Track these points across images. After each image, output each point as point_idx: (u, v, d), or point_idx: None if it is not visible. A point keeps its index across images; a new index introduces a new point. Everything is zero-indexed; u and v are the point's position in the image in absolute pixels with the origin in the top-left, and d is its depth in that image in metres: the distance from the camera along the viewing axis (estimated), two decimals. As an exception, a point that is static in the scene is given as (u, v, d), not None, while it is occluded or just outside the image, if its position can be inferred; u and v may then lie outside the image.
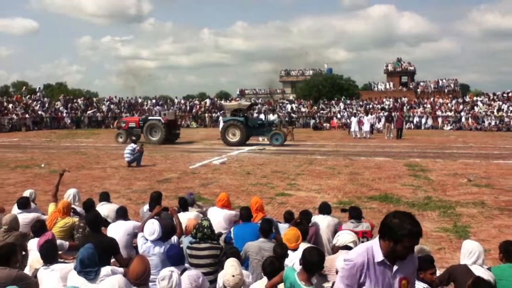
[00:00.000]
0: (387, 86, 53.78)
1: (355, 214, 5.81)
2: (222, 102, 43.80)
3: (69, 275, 3.98)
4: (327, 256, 4.98)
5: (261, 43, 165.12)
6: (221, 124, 27.03)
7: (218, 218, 6.11)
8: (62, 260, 4.40)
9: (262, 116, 28.57)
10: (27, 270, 4.71)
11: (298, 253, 4.66)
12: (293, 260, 4.54)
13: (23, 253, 5.31)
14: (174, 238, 4.95)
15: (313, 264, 3.58)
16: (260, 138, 25.51)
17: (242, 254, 5.00)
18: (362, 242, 5.27)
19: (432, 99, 42.72)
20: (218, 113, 38.82)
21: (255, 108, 39.47)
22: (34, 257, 4.80)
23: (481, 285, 3.45)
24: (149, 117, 25.25)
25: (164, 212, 5.88)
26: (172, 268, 3.83)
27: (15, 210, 6.25)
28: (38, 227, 5.19)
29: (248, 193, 10.66)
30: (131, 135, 23.26)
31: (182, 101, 47.70)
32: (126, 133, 24.07)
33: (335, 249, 4.87)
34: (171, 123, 24.65)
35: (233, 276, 3.93)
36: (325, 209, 6.07)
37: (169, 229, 4.91)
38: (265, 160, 16.85)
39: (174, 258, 4.34)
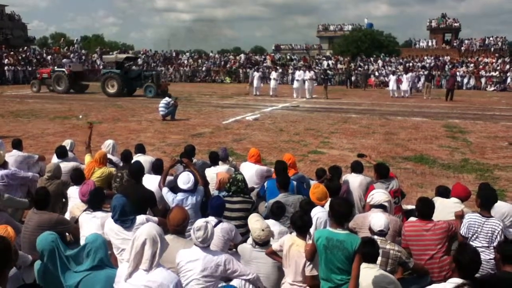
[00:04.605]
0: (429, 44, 51.48)
1: (384, 172, 5.50)
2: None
3: (105, 222, 4.12)
4: (358, 214, 4.97)
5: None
6: (255, 80, 26.77)
7: (250, 172, 6.13)
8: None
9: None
10: (67, 216, 4.89)
11: (323, 208, 4.65)
12: (316, 215, 4.54)
13: (63, 200, 5.54)
14: (201, 188, 5.00)
15: (341, 213, 3.58)
16: (295, 95, 25.12)
17: (266, 211, 5.03)
18: (394, 202, 5.22)
19: (476, 58, 40.70)
20: (253, 69, 38.42)
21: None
22: (74, 204, 4.96)
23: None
24: (56, 69, 27.85)
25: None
26: (205, 218, 3.90)
27: (54, 159, 6.46)
28: (76, 176, 5.35)
29: (281, 150, 10.67)
30: (44, 84, 26.67)
31: (217, 56, 47.37)
32: (39, 83, 27.05)
33: (367, 207, 4.83)
34: (77, 75, 27.28)
35: (263, 230, 4.00)
36: (357, 167, 5.98)
37: (196, 179, 4.98)
38: (298, 118, 16.72)
39: (217, 208, 4.37)
